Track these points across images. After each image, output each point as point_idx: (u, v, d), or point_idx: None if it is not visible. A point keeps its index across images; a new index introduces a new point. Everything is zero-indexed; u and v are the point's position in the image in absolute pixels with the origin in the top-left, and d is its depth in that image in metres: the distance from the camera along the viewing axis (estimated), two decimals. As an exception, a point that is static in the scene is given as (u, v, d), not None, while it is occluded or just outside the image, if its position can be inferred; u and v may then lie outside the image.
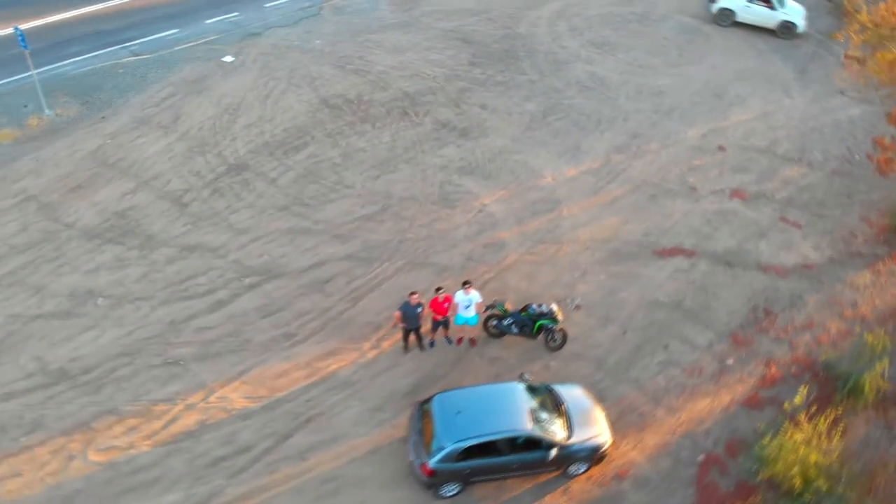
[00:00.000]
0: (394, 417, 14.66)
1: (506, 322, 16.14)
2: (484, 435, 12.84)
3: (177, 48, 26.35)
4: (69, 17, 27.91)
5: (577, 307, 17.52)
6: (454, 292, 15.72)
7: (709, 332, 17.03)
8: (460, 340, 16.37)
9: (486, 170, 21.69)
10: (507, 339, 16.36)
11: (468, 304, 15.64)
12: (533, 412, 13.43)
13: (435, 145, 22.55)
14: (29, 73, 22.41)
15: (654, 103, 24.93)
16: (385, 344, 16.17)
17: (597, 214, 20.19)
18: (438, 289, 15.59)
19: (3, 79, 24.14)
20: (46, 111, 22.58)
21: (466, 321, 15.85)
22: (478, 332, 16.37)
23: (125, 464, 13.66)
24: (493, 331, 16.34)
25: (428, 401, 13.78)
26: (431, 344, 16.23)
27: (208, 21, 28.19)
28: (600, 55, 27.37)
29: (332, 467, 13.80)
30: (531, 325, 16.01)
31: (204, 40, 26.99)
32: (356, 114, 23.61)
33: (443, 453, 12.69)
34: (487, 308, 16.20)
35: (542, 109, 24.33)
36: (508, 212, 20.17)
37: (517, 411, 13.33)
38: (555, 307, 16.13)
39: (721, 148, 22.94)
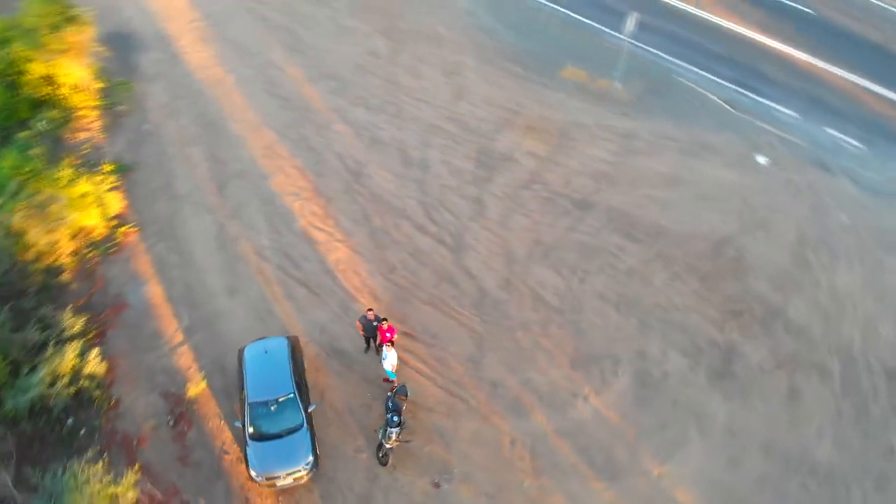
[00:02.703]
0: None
1: (390, 404, 18.10)
2: (245, 368, 18.07)
3: (755, 122, 26.43)
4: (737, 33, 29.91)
5: (437, 484, 17.40)
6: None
7: None
8: (386, 380, 19.21)
9: (650, 400, 18.84)
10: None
11: (384, 357, 18.30)
12: (270, 406, 17.42)
13: (667, 348, 19.96)
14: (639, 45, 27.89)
15: None
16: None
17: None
18: (384, 319, 18.70)
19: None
20: (616, 82, 28.08)
21: (387, 372, 18.65)
22: (394, 385, 18.87)
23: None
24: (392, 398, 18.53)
25: (291, 338, 19.15)
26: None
27: (824, 128, 26.14)
28: None
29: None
30: (390, 421, 17.66)
31: (793, 138, 25.87)
32: (705, 288, 21.65)
33: (244, 346, 18.73)
34: (399, 385, 18.43)
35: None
36: (590, 427, 18.47)
37: (267, 387, 17.66)
38: (394, 435, 17.19)
39: None
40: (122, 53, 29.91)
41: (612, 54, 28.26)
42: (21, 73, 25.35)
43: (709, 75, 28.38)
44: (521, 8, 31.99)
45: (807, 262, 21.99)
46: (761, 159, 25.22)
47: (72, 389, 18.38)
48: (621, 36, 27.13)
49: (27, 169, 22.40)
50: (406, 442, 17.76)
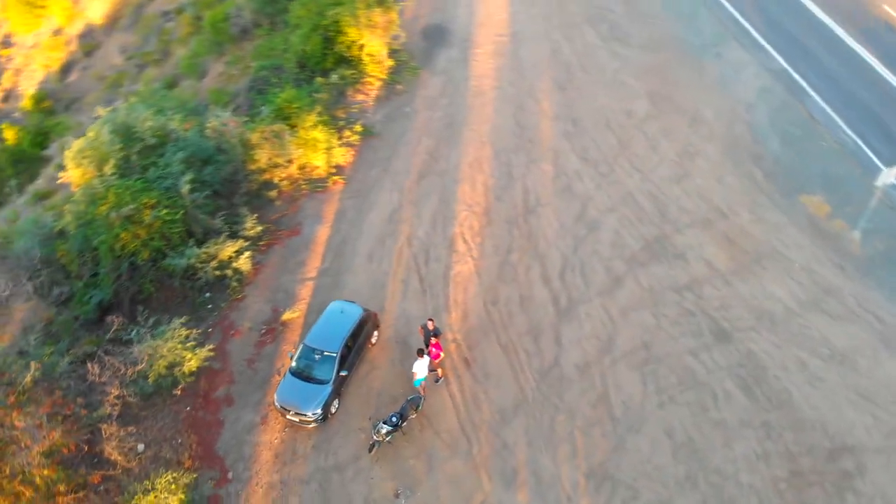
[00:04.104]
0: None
1: (403, 405, 19.47)
2: (321, 316, 21.18)
3: None
4: None
5: (397, 495, 18.44)
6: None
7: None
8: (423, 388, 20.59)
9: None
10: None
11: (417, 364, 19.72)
12: (315, 354, 20.19)
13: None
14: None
15: None
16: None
17: None
18: (438, 334, 20.11)
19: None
20: (855, 230, 23.90)
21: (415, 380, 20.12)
22: (421, 389, 20.31)
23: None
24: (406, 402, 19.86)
25: (368, 313, 21.65)
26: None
27: None
28: None
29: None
30: (388, 419, 19.14)
31: None
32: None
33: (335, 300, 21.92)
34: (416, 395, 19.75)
35: None
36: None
37: (323, 338, 20.54)
38: (383, 431, 18.67)
39: None
40: (429, 44, 34.86)
41: (871, 198, 24.15)
42: (339, 32, 31.55)
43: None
44: (807, 119, 28.72)
45: (936, 522, 17.03)
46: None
47: (217, 273, 23.48)
48: (880, 181, 23.09)
49: (295, 105, 28.31)
50: (388, 442, 19.08)
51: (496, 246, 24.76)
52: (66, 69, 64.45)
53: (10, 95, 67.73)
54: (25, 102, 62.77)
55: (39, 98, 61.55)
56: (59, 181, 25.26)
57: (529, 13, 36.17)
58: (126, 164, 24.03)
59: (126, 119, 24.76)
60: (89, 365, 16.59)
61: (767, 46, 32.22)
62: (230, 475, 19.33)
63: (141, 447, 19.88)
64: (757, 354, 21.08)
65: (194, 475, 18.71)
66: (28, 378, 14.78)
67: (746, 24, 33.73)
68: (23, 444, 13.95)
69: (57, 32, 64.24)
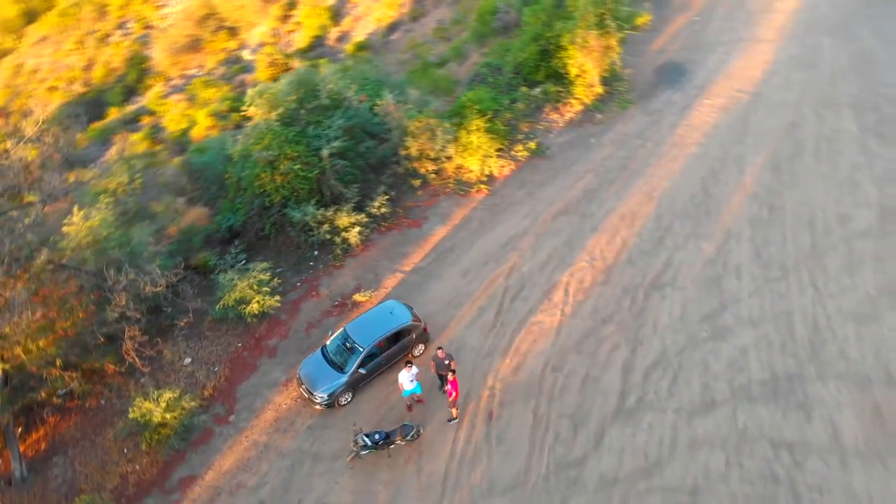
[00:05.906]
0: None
1: (397, 429, 18.60)
2: (372, 308, 21.14)
3: None
4: None
5: (367, 519, 17.80)
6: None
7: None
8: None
9: None
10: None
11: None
12: (347, 342, 20.17)
13: None
14: None
15: None
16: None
17: None
18: (454, 371, 18.89)
19: None
20: None
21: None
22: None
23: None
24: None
25: (416, 324, 20.97)
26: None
27: None
28: None
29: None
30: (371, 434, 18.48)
31: None
32: None
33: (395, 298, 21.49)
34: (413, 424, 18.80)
35: None
36: None
37: (361, 330, 20.52)
38: (360, 442, 18.05)
39: None
40: (657, 80, 31.89)
41: None
42: (559, 47, 30.29)
43: None
44: None
45: None
46: None
47: (327, 237, 24.42)
48: None
49: (476, 106, 27.97)
50: (360, 457, 18.30)
51: (595, 310, 22.04)
52: (392, 27, 71.94)
53: (344, 37, 77.90)
54: (349, 46, 71.64)
55: (361, 46, 69.46)
56: (243, 113, 28.25)
57: (788, 77, 31.01)
58: (294, 115, 26.01)
59: (314, 77, 26.75)
60: (109, 270, 18.50)
61: None
62: (231, 418, 20.31)
63: (188, 360, 21.83)
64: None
65: (195, 403, 19.98)
66: (40, 261, 17.05)
67: None
68: (12, 314, 16.15)
69: (398, -8, 71.61)
